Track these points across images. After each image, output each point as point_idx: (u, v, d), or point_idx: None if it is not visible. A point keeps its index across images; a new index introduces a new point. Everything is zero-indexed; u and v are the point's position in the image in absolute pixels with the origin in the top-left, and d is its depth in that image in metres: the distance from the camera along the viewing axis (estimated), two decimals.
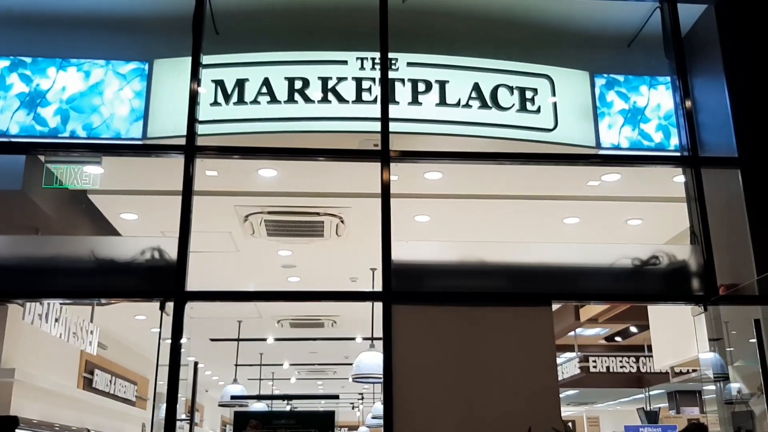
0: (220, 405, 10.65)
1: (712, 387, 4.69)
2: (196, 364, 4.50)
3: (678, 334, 6.57)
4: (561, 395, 14.83)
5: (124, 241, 5.05)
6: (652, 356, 9.23)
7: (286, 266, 7.55)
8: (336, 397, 3.90)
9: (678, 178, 4.88)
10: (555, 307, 5.25)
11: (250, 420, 4.04)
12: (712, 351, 4.63)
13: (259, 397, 9.84)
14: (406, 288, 4.25)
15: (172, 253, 4.14)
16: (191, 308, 3.99)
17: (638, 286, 4.40)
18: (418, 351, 4.13)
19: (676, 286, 4.41)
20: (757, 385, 4.26)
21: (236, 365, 11.26)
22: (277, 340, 11.67)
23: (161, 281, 4.09)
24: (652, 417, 12.65)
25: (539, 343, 4.21)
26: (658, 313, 7.64)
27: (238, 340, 10.74)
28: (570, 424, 15.44)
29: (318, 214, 5.89)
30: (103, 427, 9.51)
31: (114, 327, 9.79)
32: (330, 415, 4.14)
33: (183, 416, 4.54)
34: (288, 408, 8.09)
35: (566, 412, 15.22)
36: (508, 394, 4.10)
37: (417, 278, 4.39)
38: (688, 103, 4.71)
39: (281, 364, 14.38)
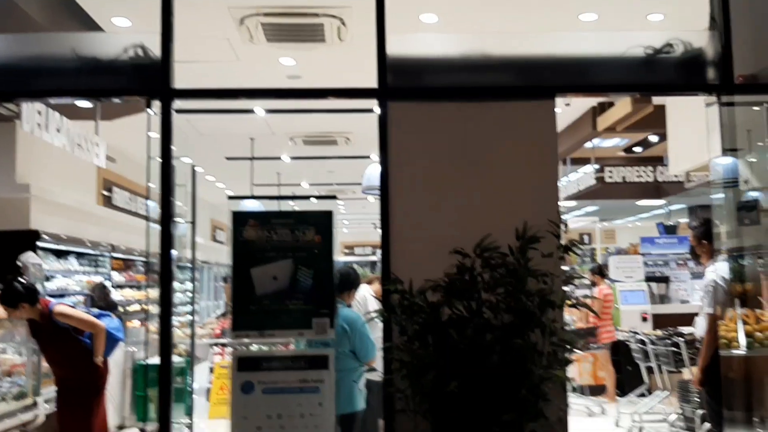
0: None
1: (722, 195, 4.58)
2: (193, 167, 4.47)
3: (695, 138, 6.39)
4: (579, 211, 14.90)
5: (108, 38, 4.84)
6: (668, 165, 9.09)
7: (291, 77, 7.34)
8: (334, 197, 3.88)
9: None
10: (564, 103, 4.98)
11: (248, 220, 4.04)
12: (725, 152, 4.47)
13: (256, 197, 9.99)
14: (403, 84, 4.07)
15: (158, 50, 3.95)
16: (201, 121, 3.84)
17: (650, 77, 4.14)
18: (416, 150, 4.03)
19: (690, 75, 4.15)
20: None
21: (252, 184, 11.39)
22: (292, 158, 11.69)
23: (147, 79, 3.94)
24: (671, 230, 12.75)
25: (541, 139, 4.06)
26: (676, 116, 7.41)
27: (252, 158, 10.77)
28: (586, 236, 15.71)
29: (317, 15, 5.59)
30: (127, 243, 9.79)
31: (128, 145, 9.81)
32: (328, 215, 4.11)
33: (182, 221, 4.58)
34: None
35: (580, 224, 15.44)
36: (507, 191, 4.04)
37: (415, 74, 4.19)
38: None
39: (299, 184, 14.56)
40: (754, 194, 4.34)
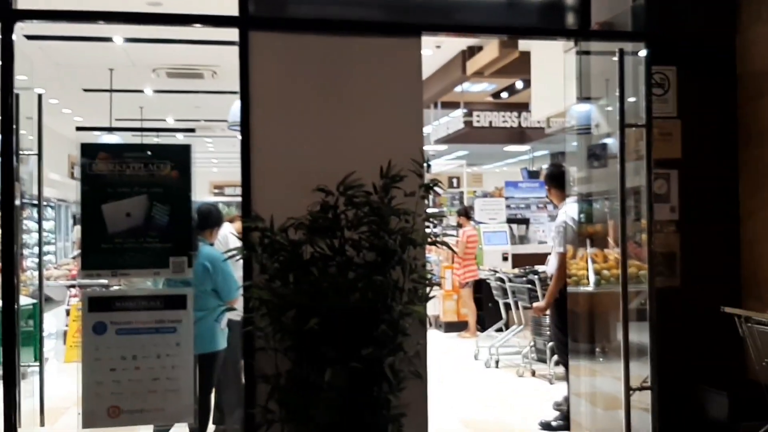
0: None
1: (575, 142, 4.77)
2: (39, 96, 4.12)
3: (555, 85, 6.61)
4: (450, 156, 15.26)
5: None
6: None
7: (151, 3, 6.92)
8: (192, 130, 3.70)
9: None
10: (434, 44, 4.97)
11: (98, 152, 3.79)
12: (581, 99, 4.64)
13: (111, 129, 9.52)
14: (265, 13, 3.91)
15: None
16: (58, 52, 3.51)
17: (513, 19, 4.21)
18: (279, 84, 3.91)
19: (551, 19, 4.26)
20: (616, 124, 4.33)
21: (112, 118, 10.77)
22: (155, 92, 11.12)
23: None
24: (534, 175, 13.33)
25: (407, 77, 4.05)
26: (538, 62, 7.64)
27: (111, 90, 10.15)
28: (455, 179, 16.14)
29: None
30: None
31: None
32: (186, 149, 3.93)
33: (28, 152, 4.24)
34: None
35: (450, 167, 15.83)
36: (372, 129, 4.02)
37: (278, 4, 4.05)
38: None
39: (164, 120, 13.93)
40: (605, 140, 4.56)
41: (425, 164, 3.84)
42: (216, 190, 26.07)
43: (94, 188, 3.76)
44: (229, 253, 4.11)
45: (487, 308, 9.76)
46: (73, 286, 8.41)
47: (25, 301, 5.48)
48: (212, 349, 4.55)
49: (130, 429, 4.01)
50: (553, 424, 5.22)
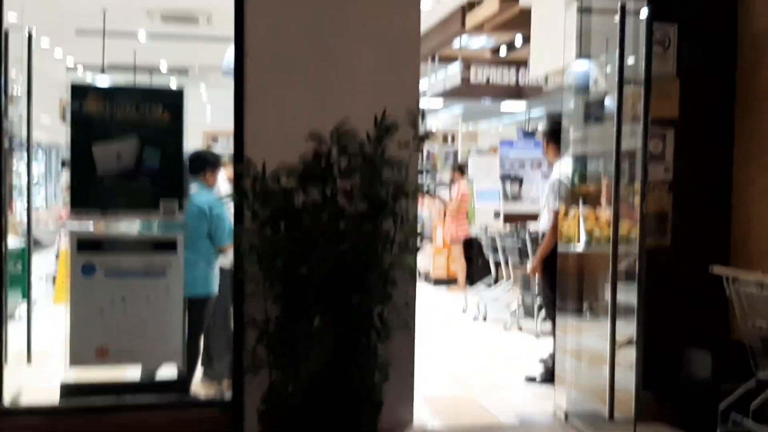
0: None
1: (573, 102, 4.72)
2: (30, 34, 4.02)
3: (555, 42, 6.52)
4: (445, 112, 15.12)
5: None
6: None
7: None
8: (185, 73, 3.64)
9: None
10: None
11: (89, 93, 3.74)
12: (580, 57, 4.58)
13: (104, 69, 9.41)
14: None
15: None
16: None
17: None
18: (275, 30, 3.86)
19: None
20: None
21: (104, 60, 10.60)
22: (149, 35, 10.94)
23: None
24: (529, 135, 13.26)
25: (404, 25, 4.00)
26: (539, 19, 7.54)
27: (104, 32, 9.97)
28: (450, 136, 16.05)
29: None
30: None
31: None
32: (179, 94, 3.88)
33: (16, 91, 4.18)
34: None
35: (446, 123, 15.73)
36: (368, 77, 3.98)
37: None
38: None
39: (158, 66, 13.71)
40: (603, 99, 4.52)
41: (421, 115, 3.80)
42: (209, 140, 25.85)
43: (85, 129, 3.72)
44: (222, 199, 4.09)
45: (476, 265, 9.81)
46: (63, 229, 8.39)
47: (13, 243, 5.47)
48: (206, 293, 4.55)
49: (118, 369, 4.04)
50: (538, 378, 5.30)
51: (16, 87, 4.34)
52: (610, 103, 4.31)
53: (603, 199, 4.69)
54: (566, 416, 4.41)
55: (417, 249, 3.73)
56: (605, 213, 4.58)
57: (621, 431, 3.80)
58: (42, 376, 4.28)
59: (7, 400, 3.81)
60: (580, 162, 4.84)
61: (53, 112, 15.68)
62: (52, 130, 14.30)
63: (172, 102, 3.82)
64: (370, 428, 3.73)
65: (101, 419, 3.77)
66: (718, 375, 4.02)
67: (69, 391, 3.83)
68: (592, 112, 4.49)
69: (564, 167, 5.09)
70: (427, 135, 3.78)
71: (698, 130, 4.44)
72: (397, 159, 3.65)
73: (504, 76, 11.56)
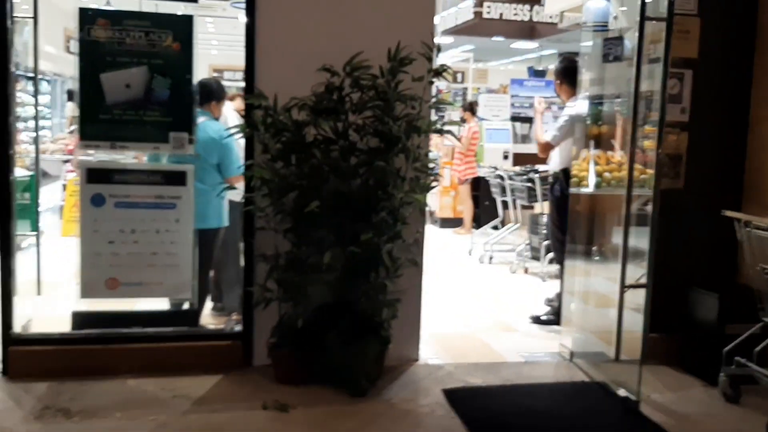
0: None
1: (590, 42, 4.59)
2: None
3: None
4: (456, 48, 14.75)
5: None
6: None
7: None
8: (195, 0, 3.49)
9: None
10: None
11: (97, 18, 3.64)
12: None
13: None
14: None
15: None
16: None
17: None
18: None
19: None
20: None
21: None
22: None
23: None
24: (540, 74, 13.04)
25: None
26: None
27: None
28: (460, 74, 15.79)
29: None
30: None
31: None
32: (189, 19, 3.78)
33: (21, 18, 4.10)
34: None
35: (456, 60, 15.46)
36: (382, 8, 3.89)
37: None
38: None
39: None
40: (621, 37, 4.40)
41: (436, 48, 3.71)
42: (216, 74, 25.54)
43: (93, 57, 3.64)
44: (231, 131, 4.03)
45: (483, 206, 9.77)
46: (69, 160, 8.34)
47: (21, 173, 5.44)
48: (214, 225, 4.51)
49: (128, 303, 4.07)
50: (543, 318, 5.32)
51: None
52: (628, 41, 4.19)
53: (615, 142, 4.63)
54: (571, 356, 4.45)
55: (430, 187, 3.70)
56: (616, 156, 4.52)
57: (626, 372, 3.82)
58: (52, 306, 4.31)
59: (18, 329, 3.85)
60: (595, 103, 4.75)
61: (58, 42, 15.48)
62: (57, 59, 14.12)
63: (182, 29, 3.73)
64: (378, 363, 3.78)
65: (112, 349, 3.82)
66: (724, 317, 4.03)
67: (80, 320, 3.86)
68: (610, 49, 4.37)
69: (580, 106, 4.99)
70: (443, 69, 3.70)
71: (717, 71, 4.34)
72: (410, 93, 3.59)
73: (517, 13, 11.30)
